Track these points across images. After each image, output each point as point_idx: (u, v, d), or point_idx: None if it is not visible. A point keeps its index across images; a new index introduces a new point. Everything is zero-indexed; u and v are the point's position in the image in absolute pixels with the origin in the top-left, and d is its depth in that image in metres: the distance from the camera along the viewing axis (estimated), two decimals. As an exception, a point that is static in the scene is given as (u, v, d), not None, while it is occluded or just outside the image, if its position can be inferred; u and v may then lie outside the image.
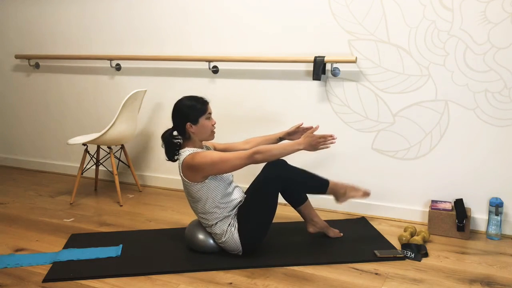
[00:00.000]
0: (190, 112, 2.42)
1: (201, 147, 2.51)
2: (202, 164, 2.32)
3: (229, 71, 3.44)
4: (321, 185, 2.56)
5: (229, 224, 2.42)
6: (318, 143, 2.34)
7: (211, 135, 2.49)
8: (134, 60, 3.75)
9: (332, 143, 2.36)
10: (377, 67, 2.98)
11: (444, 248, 2.62)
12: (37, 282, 2.23)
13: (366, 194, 2.60)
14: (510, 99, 2.71)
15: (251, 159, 2.28)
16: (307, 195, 2.67)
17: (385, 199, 3.10)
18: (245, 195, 2.54)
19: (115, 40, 3.81)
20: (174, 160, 2.54)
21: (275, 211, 2.44)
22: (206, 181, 2.37)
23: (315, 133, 2.37)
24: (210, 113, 2.47)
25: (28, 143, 4.43)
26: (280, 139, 2.74)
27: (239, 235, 2.41)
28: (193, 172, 2.36)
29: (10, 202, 3.46)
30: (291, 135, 2.72)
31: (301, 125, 2.70)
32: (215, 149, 2.69)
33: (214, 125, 2.49)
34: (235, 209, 2.45)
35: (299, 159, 3.10)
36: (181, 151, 2.46)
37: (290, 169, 2.51)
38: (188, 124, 2.43)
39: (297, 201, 2.65)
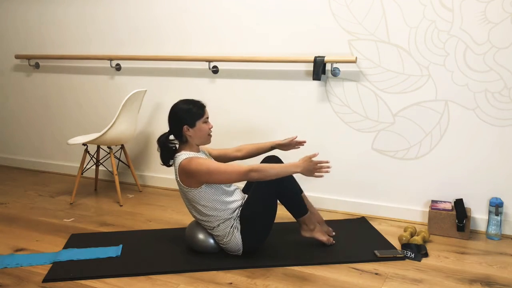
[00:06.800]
0: (187, 115, 2.42)
1: (198, 151, 2.50)
2: (197, 171, 2.32)
3: (229, 71, 3.44)
4: (299, 210, 2.53)
5: (232, 225, 2.42)
6: (315, 169, 2.32)
7: (208, 139, 2.49)
8: (134, 60, 3.75)
9: (327, 171, 2.34)
10: (377, 67, 2.98)
11: (444, 248, 2.62)
12: (37, 282, 2.23)
13: (328, 242, 2.59)
14: (510, 99, 2.71)
15: (247, 177, 2.27)
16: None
17: (385, 199, 3.10)
18: (245, 196, 2.55)
19: (115, 40, 3.81)
20: (169, 165, 2.53)
21: (275, 212, 2.44)
22: (203, 186, 2.37)
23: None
24: (207, 117, 2.46)
25: (28, 143, 4.43)
26: (272, 148, 2.75)
27: (241, 237, 2.41)
28: (188, 177, 2.36)
29: (10, 202, 3.46)
30: (283, 146, 2.73)
31: (295, 138, 2.71)
32: (210, 154, 2.69)
33: (211, 129, 2.49)
34: (237, 211, 2.45)
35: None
36: (177, 154, 2.45)
37: (286, 177, 2.47)
38: (185, 127, 2.42)
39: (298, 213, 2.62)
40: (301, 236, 2.59)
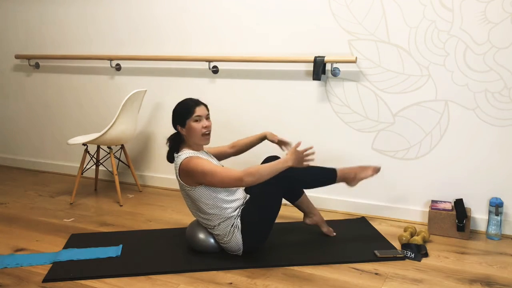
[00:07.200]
0: (178, 115, 2.44)
1: (199, 149, 2.50)
2: (193, 171, 2.32)
3: (229, 71, 3.44)
4: (329, 176, 2.56)
5: (232, 225, 2.41)
6: (302, 158, 2.32)
7: (202, 138, 2.43)
8: (134, 60, 3.75)
9: (312, 159, 2.34)
10: (377, 67, 2.98)
11: (444, 248, 2.62)
12: (37, 282, 2.23)
13: (375, 170, 2.60)
14: (510, 99, 2.71)
15: (242, 182, 2.25)
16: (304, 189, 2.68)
17: (385, 199, 3.10)
18: (247, 195, 2.55)
19: (115, 40, 3.81)
20: (172, 162, 2.54)
21: (278, 212, 2.44)
22: (202, 185, 2.38)
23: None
24: (199, 116, 2.40)
25: (28, 143, 4.43)
26: (261, 139, 2.76)
27: (242, 236, 2.41)
28: (187, 176, 2.37)
29: (10, 202, 3.46)
30: (269, 138, 2.74)
31: (277, 139, 2.72)
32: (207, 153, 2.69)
33: (206, 128, 2.43)
34: (237, 210, 2.44)
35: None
36: (178, 153, 2.46)
37: (296, 168, 2.45)
38: (178, 127, 2.44)
39: (294, 196, 2.66)
40: (351, 186, 2.60)
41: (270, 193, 2.40)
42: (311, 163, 2.37)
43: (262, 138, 2.75)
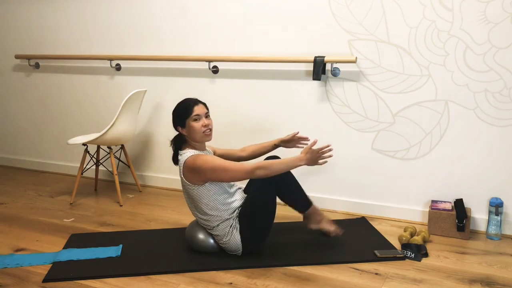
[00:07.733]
0: (177, 115, 2.45)
1: (202, 149, 2.50)
2: (202, 168, 2.32)
3: (229, 71, 3.44)
4: (304, 204, 2.59)
5: (231, 225, 2.42)
6: (318, 157, 2.34)
7: (203, 136, 2.43)
8: (134, 60, 3.75)
9: (330, 156, 2.37)
10: (377, 67, 2.98)
11: (444, 248, 2.62)
12: (37, 282, 2.23)
13: (335, 232, 2.63)
14: (510, 99, 2.71)
15: (252, 174, 2.27)
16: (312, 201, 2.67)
17: (385, 199, 3.10)
18: (245, 196, 2.55)
19: (115, 40, 3.81)
20: (177, 164, 2.53)
21: (274, 214, 2.44)
22: (206, 184, 2.37)
23: (313, 147, 2.37)
24: (197, 115, 2.40)
25: (28, 143, 4.43)
26: (276, 146, 2.75)
27: (240, 237, 2.41)
28: (193, 174, 2.36)
29: (10, 202, 3.46)
30: (286, 142, 2.72)
31: (297, 133, 2.70)
32: (215, 153, 2.69)
33: (206, 126, 2.42)
34: (236, 211, 2.45)
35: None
36: (182, 152, 2.46)
37: (285, 174, 2.45)
38: (179, 127, 2.45)
39: (303, 207, 2.63)
40: (309, 229, 2.63)
41: (264, 194, 2.40)
42: (319, 165, 2.39)
43: (277, 145, 2.74)
